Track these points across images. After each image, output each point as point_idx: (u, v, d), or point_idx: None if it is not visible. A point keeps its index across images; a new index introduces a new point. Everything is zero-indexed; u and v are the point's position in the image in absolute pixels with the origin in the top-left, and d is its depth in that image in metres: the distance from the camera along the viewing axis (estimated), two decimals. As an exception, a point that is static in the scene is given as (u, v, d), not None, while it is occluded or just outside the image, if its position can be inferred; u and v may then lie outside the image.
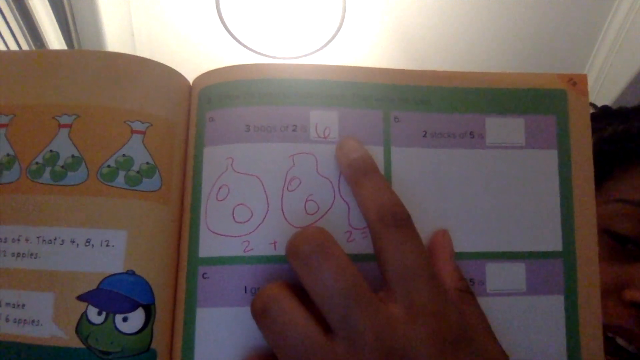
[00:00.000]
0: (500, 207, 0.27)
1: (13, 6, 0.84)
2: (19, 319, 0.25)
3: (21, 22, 0.87)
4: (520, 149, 0.28)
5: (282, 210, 0.26)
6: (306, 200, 0.26)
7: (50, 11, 0.94)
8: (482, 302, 0.25)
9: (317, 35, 1.18)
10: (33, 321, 0.24)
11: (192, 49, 1.31)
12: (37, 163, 0.26)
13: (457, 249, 0.26)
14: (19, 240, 0.25)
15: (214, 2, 1.12)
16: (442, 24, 1.22)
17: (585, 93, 0.28)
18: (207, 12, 1.22)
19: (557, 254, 0.27)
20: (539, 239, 0.27)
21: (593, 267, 0.27)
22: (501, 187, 0.27)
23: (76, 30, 1.06)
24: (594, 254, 0.27)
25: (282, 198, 0.26)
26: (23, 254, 0.25)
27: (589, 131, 0.28)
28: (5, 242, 0.25)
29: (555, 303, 0.26)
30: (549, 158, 0.28)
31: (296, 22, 1.16)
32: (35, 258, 0.25)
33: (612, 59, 1.19)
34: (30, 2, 0.87)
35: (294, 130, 0.27)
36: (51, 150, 0.26)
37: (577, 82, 0.28)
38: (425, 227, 0.26)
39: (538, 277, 0.26)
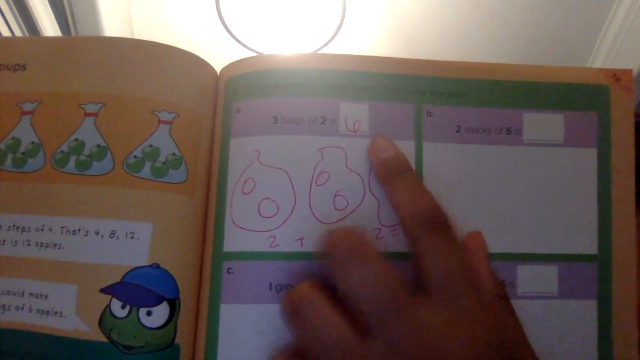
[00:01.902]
0: (534, 207, 0.26)
1: (13, 6, 0.83)
2: (43, 310, 0.24)
3: (21, 22, 0.86)
4: (559, 146, 0.27)
5: (310, 205, 0.25)
6: (335, 195, 0.25)
7: (51, 11, 0.93)
8: (512, 305, 0.25)
9: (317, 35, 1.18)
10: (56, 313, 0.24)
11: (192, 49, 1.30)
12: (62, 152, 0.25)
13: (489, 250, 0.25)
14: (42, 230, 0.25)
15: (214, 2, 1.12)
16: (442, 25, 1.22)
17: (629, 89, 0.27)
18: (207, 12, 1.21)
19: (591, 257, 0.26)
20: (574, 242, 0.26)
21: (630, 273, 0.26)
22: (537, 186, 0.26)
23: (76, 30, 1.05)
24: (632, 259, 0.26)
25: (310, 192, 0.25)
26: (47, 244, 0.24)
27: (632, 130, 0.27)
28: (29, 231, 0.25)
29: (588, 308, 0.25)
30: (588, 157, 0.26)
31: (296, 22, 1.16)
32: (59, 249, 0.24)
33: (612, 59, 1.19)
34: (30, 2, 0.86)
35: (322, 122, 0.26)
36: (76, 139, 0.25)
37: (621, 78, 0.27)
38: (456, 226, 0.25)
39: (571, 281, 0.26)
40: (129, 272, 0.24)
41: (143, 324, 0.24)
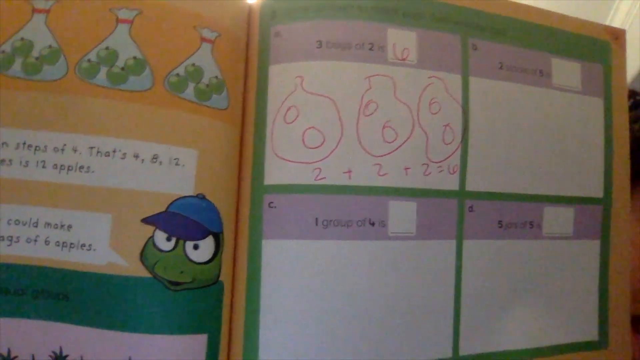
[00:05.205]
0: (557, 150, 0.27)
1: None
2: (64, 242, 0.21)
3: None
4: (578, 93, 0.28)
5: (358, 136, 0.24)
6: (384, 127, 0.24)
7: None
8: (538, 245, 0.26)
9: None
10: (83, 245, 0.21)
11: None
12: (89, 60, 0.21)
13: (519, 190, 0.26)
14: (63, 150, 0.21)
15: None
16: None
17: (624, 48, 0.29)
18: None
19: (598, 200, 0.28)
20: (586, 185, 0.28)
21: (625, 215, 0.28)
22: (560, 129, 0.27)
23: None
24: (627, 202, 0.28)
25: (357, 123, 0.24)
26: (69, 166, 0.21)
27: (625, 83, 0.29)
28: (44, 151, 0.21)
29: (593, 247, 0.28)
30: (597, 105, 0.28)
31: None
32: (86, 172, 0.21)
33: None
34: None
35: (370, 49, 0.25)
36: (107, 47, 0.22)
37: (619, 36, 0.29)
38: (495, 163, 0.26)
39: (583, 222, 0.27)
40: (174, 201, 0.21)
41: (190, 258, 0.22)
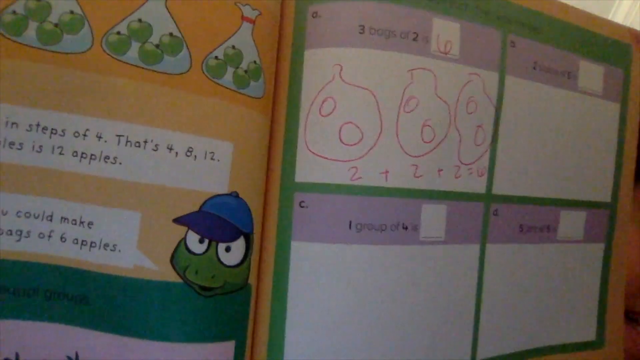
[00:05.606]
0: (575, 154, 0.27)
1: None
2: (83, 240, 0.18)
3: None
4: (598, 97, 0.28)
5: (397, 134, 0.23)
6: (423, 125, 0.23)
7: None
8: (552, 248, 0.26)
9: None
10: (106, 245, 0.19)
11: None
12: (118, 33, 0.18)
13: (540, 194, 0.26)
14: (85, 135, 0.18)
15: None
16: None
17: None
18: None
19: (606, 204, 0.28)
20: (596, 189, 0.28)
21: (626, 219, 0.29)
22: (580, 133, 0.27)
23: None
24: (629, 206, 0.29)
25: (397, 120, 0.23)
26: (92, 155, 0.18)
27: None
28: (62, 135, 0.18)
29: (598, 251, 0.28)
30: (615, 111, 0.28)
31: None
32: (112, 163, 0.18)
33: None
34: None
35: (414, 39, 0.23)
36: (140, 20, 0.19)
37: None
38: (521, 166, 0.26)
39: (592, 226, 0.28)
40: (208, 199, 0.20)
41: (222, 261, 0.20)
